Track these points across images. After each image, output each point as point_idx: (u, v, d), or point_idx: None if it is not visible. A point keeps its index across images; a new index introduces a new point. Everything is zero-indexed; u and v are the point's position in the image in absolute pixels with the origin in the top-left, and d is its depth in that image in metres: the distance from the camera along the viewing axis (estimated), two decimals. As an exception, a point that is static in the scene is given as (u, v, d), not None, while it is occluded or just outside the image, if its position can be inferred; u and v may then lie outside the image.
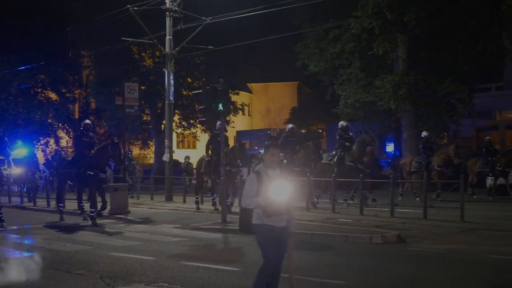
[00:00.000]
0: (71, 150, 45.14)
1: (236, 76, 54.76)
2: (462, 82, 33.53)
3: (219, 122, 21.76)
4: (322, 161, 24.29)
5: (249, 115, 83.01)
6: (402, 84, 33.22)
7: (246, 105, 78.30)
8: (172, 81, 29.52)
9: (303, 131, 62.03)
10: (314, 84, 52.67)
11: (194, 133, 56.01)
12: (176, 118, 50.78)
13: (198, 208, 23.03)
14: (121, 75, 42.31)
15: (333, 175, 22.97)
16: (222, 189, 19.85)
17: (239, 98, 62.70)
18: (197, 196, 24.05)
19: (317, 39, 36.60)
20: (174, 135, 59.01)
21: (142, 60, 48.89)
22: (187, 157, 34.77)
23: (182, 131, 55.71)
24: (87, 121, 21.48)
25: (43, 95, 56.29)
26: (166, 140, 30.03)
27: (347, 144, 24.12)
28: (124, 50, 43.53)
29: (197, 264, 11.89)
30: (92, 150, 20.30)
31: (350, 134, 24.95)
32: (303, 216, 19.97)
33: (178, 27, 29.63)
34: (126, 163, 30.39)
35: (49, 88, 56.65)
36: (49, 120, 56.27)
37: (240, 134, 59.39)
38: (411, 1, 31.69)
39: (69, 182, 22.04)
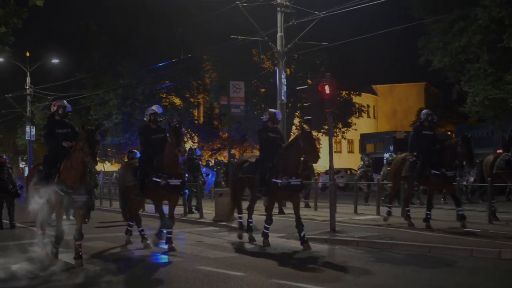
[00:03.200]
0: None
1: (359, 77, 53.14)
2: None
3: (424, 111, 18.73)
4: None
5: (374, 117, 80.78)
6: (537, 78, 30.35)
7: (368, 107, 75.93)
8: (284, 80, 28.06)
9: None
10: (442, 84, 50.03)
11: (315, 136, 54.59)
12: (296, 121, 49.60)
13: (386, 220, 18.80)
14: (240, 78, 41.44)
15: None
16: (331, 195, 18.01)
17: (362, 99, 60.95)
18: (390, 205, 19.32)
19: (441, 32, 34.20)
20: (295, 138, 57.99)
21: (261, 62, 47.97)
22: (367, 158, 30.38)
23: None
24: (272, 110, 16.24)
25: (168, 100, 56.75)
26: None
27: None
28: (242, 52, 42.92)
29: (289, 283, 10.29)
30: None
31: None
32: (423, 225, 17.99)
33: (290, 23, 28.16)
34: None
35: (173, 94, 57.09)
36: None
37: (364, 137, 57.46)
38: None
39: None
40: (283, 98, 27.91)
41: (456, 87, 36.32)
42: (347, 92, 51.49)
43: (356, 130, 53.97)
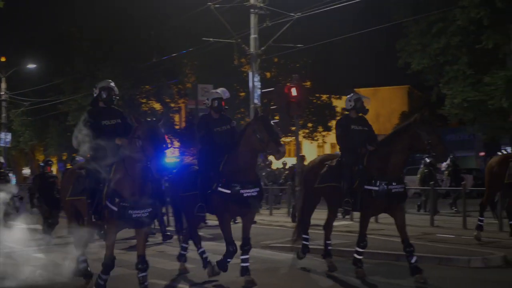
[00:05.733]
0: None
1: (341, 81, 52.66)
2: None
3: None
4: None
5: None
6: (516, 80, 29.94)
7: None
8: (257, 83, 27.51)
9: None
10: (425, 86, 49.82)
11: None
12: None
13: (479, 239, 15.40)
14: (219, 81, 40.86)
15: None
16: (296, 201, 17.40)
17: (344, 103, 60.43)
18: (481, 218, 15.86)
19: (420, 34, 33.80)
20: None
21: (240, 65, 47.42)
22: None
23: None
24: (358, 95, 12.32)
25: (148, 105, 56.01)
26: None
27: None
28: (222, 56, 42.33)
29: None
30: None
31: None
32: (395, 231, 17.38)
33: (264, 25, 27.58)
34: None
35: (153, 98, 56.36)
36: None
37: (346, 141, 56.98)
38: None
39: None
40: (256, 101, 27.37)
41: (435, 89, 35.94)
42: (327, 95, 51.00)
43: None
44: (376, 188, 11.07)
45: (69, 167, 17.96)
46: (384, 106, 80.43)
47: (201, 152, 11.53)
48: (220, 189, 10.65)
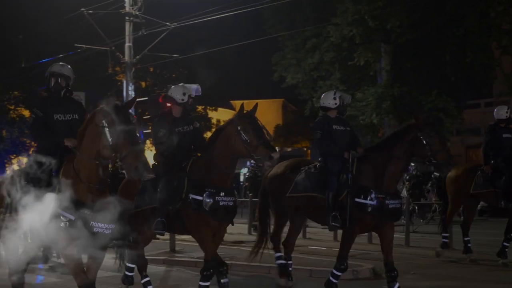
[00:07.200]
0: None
1: (217, 92, 52.69)
2: (450, 95, 31.35)
3: (500, 106, 14.39)
4: None
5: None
6: (386, 96, 31.12)
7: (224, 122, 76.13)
8: (131, 93, 27.14)
9: (289, 149, 60.04)
10: (299, 100, 50.82)
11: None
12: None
13: (439, 255, 14.94)
14: (94, 90, 39.82)
15: None
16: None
17: (220, 114, 60.51)
18: (445, 235, 15.28)
19: (295, 49, 34.41)
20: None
21: (115, 74, 46.53)
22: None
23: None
24: (339, 93, 11.02)
25: (16, 112, 53.77)
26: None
27: None
28: (96, 63, 41.36)
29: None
30: None
31: None
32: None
33: (139, 33, 27.25)
34: None
35: (22, 105, 54.20)
36: (22, 139, 53.70)
37: (221, 152, 57.10)
38: (395, 7, 29.53)
39: None
40: (130, 111, 26.86)
41: (309, 104, 36.65)
42: (203, 107, 50.99)
43: (212, 144, 53.35)
44: (372, 203, 9.50)
45: None
46: (258, 119, 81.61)
47: (161, 157, 9.59)
48: (192, 196, 8.82)
